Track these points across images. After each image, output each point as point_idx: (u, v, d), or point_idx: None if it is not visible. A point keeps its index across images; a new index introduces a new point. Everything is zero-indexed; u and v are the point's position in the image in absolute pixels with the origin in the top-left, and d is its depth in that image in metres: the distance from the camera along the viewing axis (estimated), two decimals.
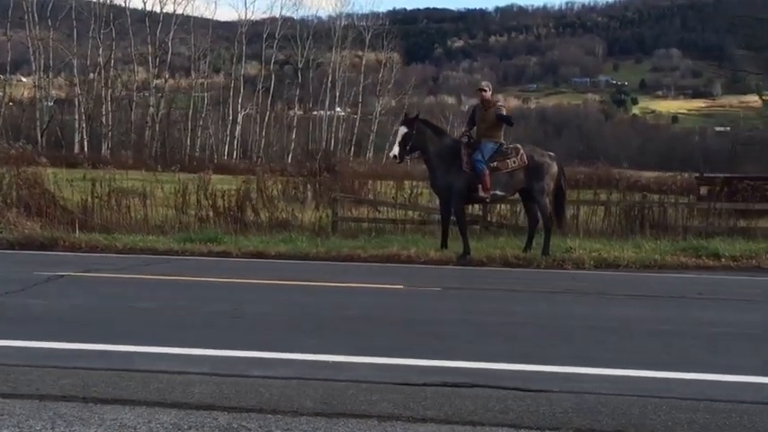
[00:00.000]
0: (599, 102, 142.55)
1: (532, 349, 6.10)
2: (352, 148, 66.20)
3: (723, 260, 12.80)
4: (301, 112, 71.16)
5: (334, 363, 5.53)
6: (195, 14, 67.87)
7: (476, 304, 8.55)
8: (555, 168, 13.32)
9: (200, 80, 67.65)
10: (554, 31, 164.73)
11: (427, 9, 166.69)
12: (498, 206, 15.93)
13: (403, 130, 13.25)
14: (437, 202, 14.76)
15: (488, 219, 16.12)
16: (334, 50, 70.04)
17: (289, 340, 6.26)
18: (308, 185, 21.41)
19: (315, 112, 71.55)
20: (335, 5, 71.39)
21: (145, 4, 66.71)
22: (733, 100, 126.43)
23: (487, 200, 13.48)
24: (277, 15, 70.71)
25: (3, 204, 16.65)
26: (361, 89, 70.83)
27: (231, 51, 68.40)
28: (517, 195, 13.86)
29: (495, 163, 12.97)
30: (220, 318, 7.24)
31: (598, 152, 59.40)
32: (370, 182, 22.41)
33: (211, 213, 16.72)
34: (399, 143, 13.18)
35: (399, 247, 13.37)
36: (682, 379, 5.20)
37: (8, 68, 60.08)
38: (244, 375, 5.14)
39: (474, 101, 15.58)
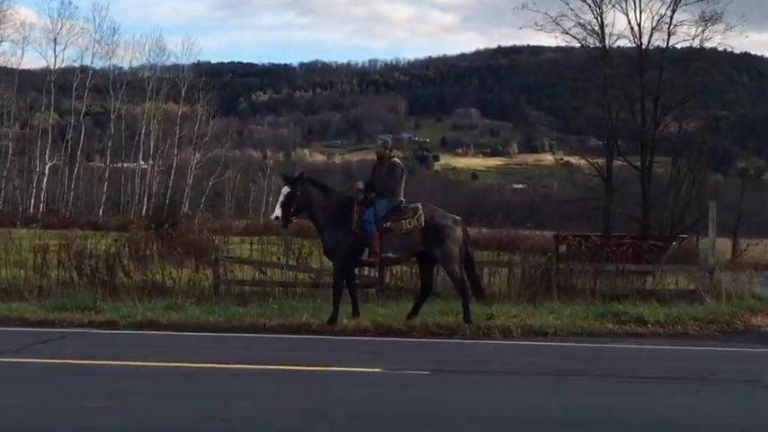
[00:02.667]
0: (402, 158, 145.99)
1: None
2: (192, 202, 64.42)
3: (650, 326, 12.83)
4: (112, 165, 68.86)
5: None
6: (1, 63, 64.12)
7: (466, 394, 7.80)
8: (458, 232, 12.74)
9: (5, 129, 64.27)
10: (357, 88, 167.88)
11: (232, 63, 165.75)
12: (395, 268, 15.06)
13: (286, 190, 12.68)
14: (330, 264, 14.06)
15: (385, 281, 15.31)
16: (147, 101, 68.57)
17: None
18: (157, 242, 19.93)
19: (126, 165, 69.52)
20: (150, 57, 69.40)
21: None
22: (528, 158, 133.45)
23: (376, 264, 12.96)
24: (88, 64, 68.45)
25: None
26: (176, 140, 69.46)
27: (39, 100, 65.53)
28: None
29: (388, 223, 12.38)
30: (216, 421, 6.36)
31: None
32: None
33: (75, 276, 15.50)
34: (282, 204, 12.60)
35: (309, 316, 12.72)
36: None
37: None
38: None
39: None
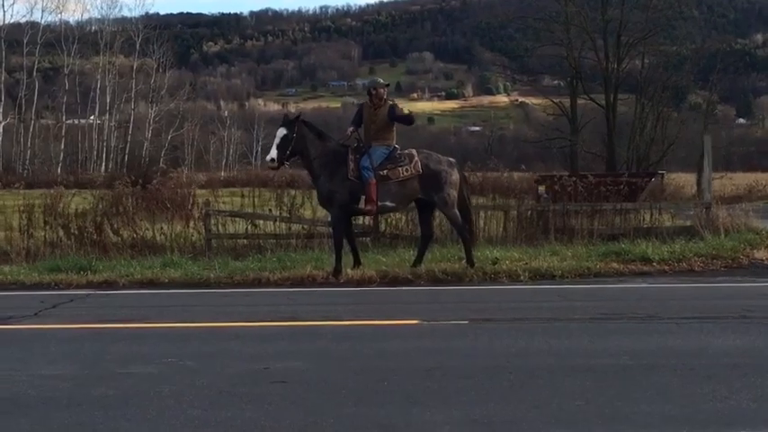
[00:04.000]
0: (356, 105, 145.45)
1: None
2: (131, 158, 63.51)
3: (655, 264, 12.71)
4: (68, 122, 67.47)
5: None
6: None
7: (520, 342, 7.42)
8: (455, 176, 12.44)
9: None
10: (309, 35, 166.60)
11: (181, 14, 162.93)
12: (389, 215, 14.67)
13: (282, 131, 12.22)
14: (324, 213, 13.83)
15: (380, 230, 15.03)
16: (101, 55, 67.13)
17: (387, 414, 5.15)
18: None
19: (82, 121, 68.25)
20: (102, 10, 68.16)
21: None
22: (483, 100, 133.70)
23: (374, 212, 12.55)
24: (38, 19, 66.76)
25: None
26: (132, 95, 68.29)
27: None
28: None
29: (384, 171, 11.96)
30: (269, 384, 5.99)
31: None
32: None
33: (63, 236, 15.02)
34: (278, 146, 12.15)
35: (312, 268, 12.35)
36: None
37: None
38: None
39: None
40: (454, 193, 12.35)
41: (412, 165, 12.11)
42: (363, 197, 11.96)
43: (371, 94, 12.52)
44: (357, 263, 12.38)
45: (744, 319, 8.55)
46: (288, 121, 12.39)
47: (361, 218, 14.24)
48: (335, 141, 12.74)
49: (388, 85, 12.94)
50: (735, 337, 7.64)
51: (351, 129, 12.69)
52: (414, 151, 12.50)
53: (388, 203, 12.25)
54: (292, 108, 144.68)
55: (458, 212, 12.39)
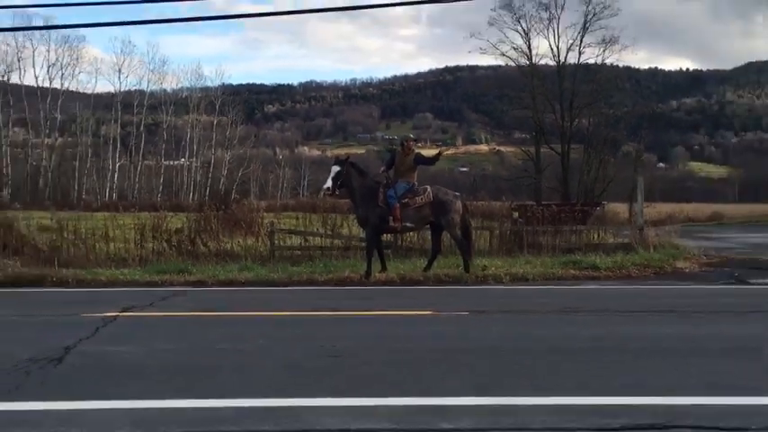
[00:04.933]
0: (376, 151, 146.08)
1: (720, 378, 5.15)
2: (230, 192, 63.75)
3: (602, 271, 12.59)
4: (165, 163, 67.78)
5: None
6: (79, 89, 63.16)
7: (510, 329, 7.27)
8: (458, 204, 12.42)
9: (84, 138, 63.14)
10: (342, 100, 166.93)
11: (249, 84, 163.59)
12: (407, 235, 14.61)
13: (336, 168, 12.23)
14: (360, 230, 13.66)
15: (398, 244, 14.96)
16: (190, 114, 67.77)
17: (416, 380, 5.04)
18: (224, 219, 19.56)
19: (175, 162, 68.62)
20: (191, 81, 69.14)
21: (36, 79, 60.81)
22: (470, 148, 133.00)
23: (398, 229, 12.49)
24: (144, 88, 67.34)
25: None
26: (213, 143, 68.70)
27: (108, 116, 64.40)
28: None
29: (405, 199, 12.05)
30: (327, 357, 5.87)
31: None
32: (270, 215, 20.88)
33: (166, 246, 14.96)
34: (333, 179, 12.14)
35: (349, 272, 12.33)
36: None
37: None
38: (433, 429, 3.93)
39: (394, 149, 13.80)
40: (457, 218, 12.30)
41: (425, 195, 12.15)
42: (391, 217, 12.00)
43: (403, 145, 12.62)
44: (384, 268, 12.33)
45: (671, 312, 8.50)
46: (340, 161, 12.46)
47: (386, 236, 14.10)
48: (371, 178, 12.70)
49: (416, 140, 12.98)
50: (667, 325, 7.60)
51: (382, 169, 12.78)
52: (428, 186, 12.54)
53: (408, 224, 12.27)
54: (329, 153, 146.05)
55: (459, 232, 12.34)
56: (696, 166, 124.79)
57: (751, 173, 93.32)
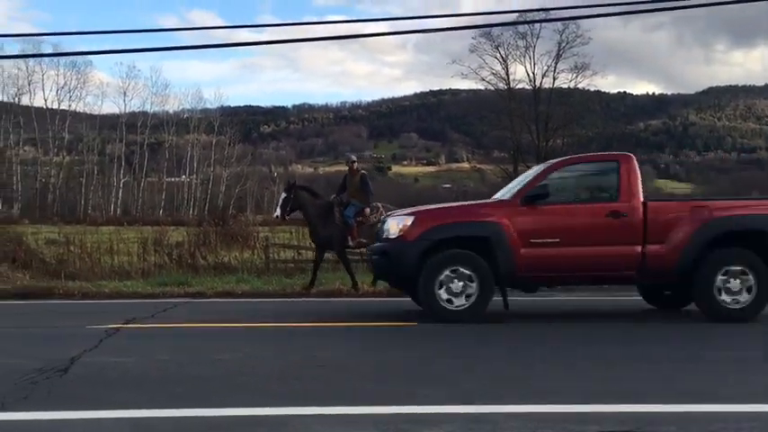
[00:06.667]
0: (365, 169, 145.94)
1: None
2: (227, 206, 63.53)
3: None
4: (167, 179, 67.59)
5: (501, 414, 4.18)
6: (86, 110, 63.08)
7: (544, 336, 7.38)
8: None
9: (91, 157, 62.91)
10: (333, 120, 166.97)
11: (246, 105, 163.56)
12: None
13: (283, 195, 12.19)
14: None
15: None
16: (191, 134, 67.78)
17: (429, 389, 4.82)
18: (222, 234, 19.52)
19: (176, 179, 68.49)
20: (191, 103, 69.41)
21: (46, 101, 60.65)
22: (452, 166, 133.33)
23: (354, 246, 12.32)
24: (148, 110, 67.27)
25: None
26: (211, 162, 68.62)
27: (113, 136, 64.27)
28: None
29: (360, 218, 12.08)
30: (313, 367, 5.77)
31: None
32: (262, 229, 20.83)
33: (167, 260, 14.93)
34: (280, 206, 12.10)
35: (339, 283, 12.27)
36: None
37: None
38: None
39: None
40: None
41: (378, 213, 12.07)
42: (349, 236, 11.98)
43: (349, 167, 12.56)
44: (312, 284, 12.11)
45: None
46: (287, 187, 12.35)
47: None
48: (324, 199, 12.59)
49: (355, 161, 12.76)
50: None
51: (333, 195, 12.63)
52: (380, 204, 12.52)
53: (363, 240, 12.04)
54: (321, 171, 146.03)
55: None
56: (662, 183, 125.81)
57: (712, 189, 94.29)
